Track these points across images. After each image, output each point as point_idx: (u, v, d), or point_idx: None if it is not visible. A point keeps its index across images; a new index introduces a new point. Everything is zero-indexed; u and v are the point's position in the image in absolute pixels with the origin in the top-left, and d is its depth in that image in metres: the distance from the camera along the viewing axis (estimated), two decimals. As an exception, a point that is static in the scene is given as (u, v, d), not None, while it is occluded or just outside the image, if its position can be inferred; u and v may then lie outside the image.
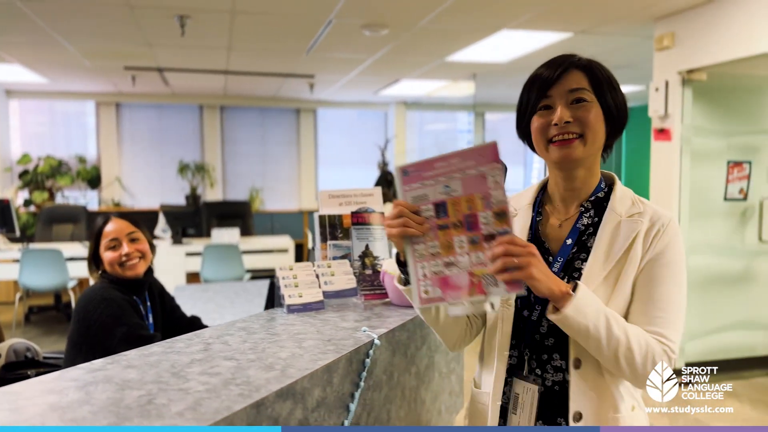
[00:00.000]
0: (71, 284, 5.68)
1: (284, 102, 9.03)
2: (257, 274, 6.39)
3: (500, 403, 1.25)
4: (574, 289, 1.10)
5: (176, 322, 2.26)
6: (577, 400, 1.18)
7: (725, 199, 4.50)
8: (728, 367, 4.56)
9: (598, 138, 1.20)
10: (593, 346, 1.12)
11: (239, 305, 3.34)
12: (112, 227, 2.10)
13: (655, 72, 4.50)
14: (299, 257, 8.41)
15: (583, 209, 1.25)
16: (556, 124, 1.18)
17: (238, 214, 7.20)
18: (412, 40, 5.13)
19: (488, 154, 1.12)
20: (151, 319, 2.13)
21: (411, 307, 1.65)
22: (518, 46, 5.36)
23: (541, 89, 1.21)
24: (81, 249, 5.78)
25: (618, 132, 1.25)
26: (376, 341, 1.31)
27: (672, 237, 1.17)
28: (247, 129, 9.13)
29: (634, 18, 4.43)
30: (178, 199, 8.52)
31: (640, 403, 1.24)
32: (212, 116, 8.87)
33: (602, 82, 1.21)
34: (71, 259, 5.64)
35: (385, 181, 8.53)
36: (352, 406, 1.23)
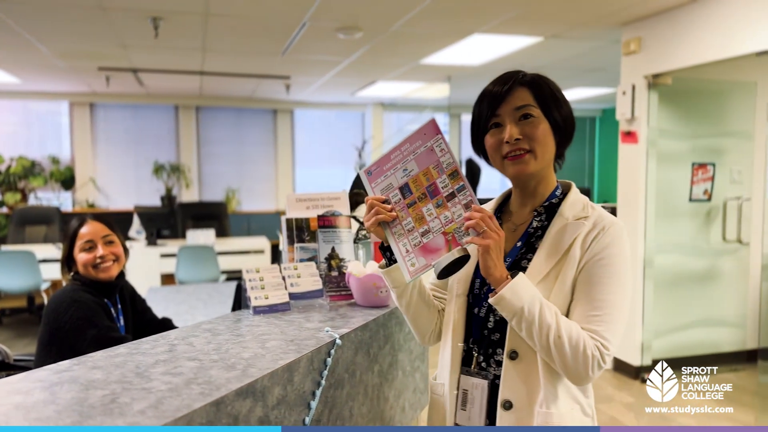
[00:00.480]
0: (44, 286, 5.63)
1: (261, 102, 9.03)
2: (233, 276, 6.39)
3: (456, 392, 1.32)
4: (514, 276, 1.18)
5: (147, 324, 2.29)
6: (507, 389, 1.25)
7: (690, 200, 4.63)
8: (693, 364, 4.68)
9: (548, 151, 1.28)
10: (526, 329, 1.18)
11: (212, 306, 3.36)
12: (87, 229, 2.12)
13: (622, 76, 4.61)
14: (276, 258, 8.42)
15: (536, 213, 1.33)
16: (507, 142, 1.26)
17: (213, 215, 7.20)
18: (386, 43, 5.18)
19: (430, 130, 1.28)
20: (122, 322, 2.15)
21: (375, 307, 1.71)
22: (491, 49, 5.45)
23: (490, 107, 1.28)
24: (54, 251, 5.74)
25: (567, 141, 1.32)
26: (338, 341, 1.36)
27: (613, 239, 1.22)
28: (223, 129, 9.12)
29: (602, 23, 4.53)
30: (153, 200, 8.48)
31: (586, 410, 1.27)
32: (188, 117, 8.85)
33: (547, 97, 1.28)
34: (44, 260, 5.60)
35: (362, 182, 8.56)
36: (313, 404, 1.28)
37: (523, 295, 1.17)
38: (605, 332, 1.18)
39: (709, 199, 4.67)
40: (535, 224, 1.32)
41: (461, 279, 1.36)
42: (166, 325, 2.33)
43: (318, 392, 1.30)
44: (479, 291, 1.33)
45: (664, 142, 4.48)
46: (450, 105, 9.07)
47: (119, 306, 2.17)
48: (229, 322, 1.52)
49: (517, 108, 1.26)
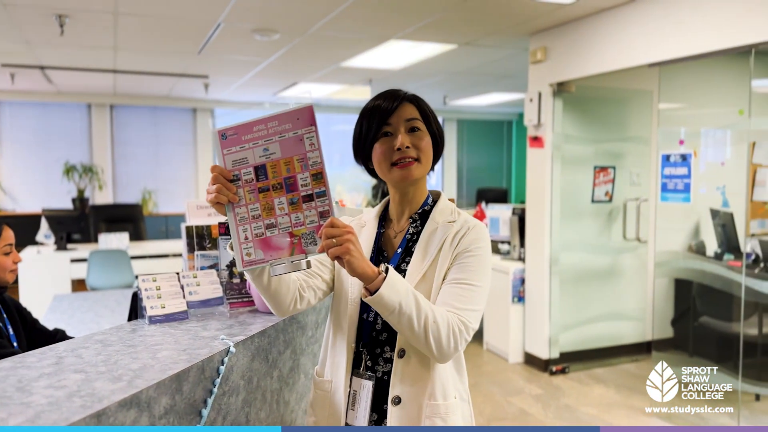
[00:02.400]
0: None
1: (179, 101, 8.81)
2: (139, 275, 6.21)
3: (348, 391, 1.41)
4: (386, 271, 1.23)
5: (38, 336, 2.22)
6: (397, 386, 1.35)
7: (593, 201, 4.90)
8: (598, 355, 4.98)
9: (429, 161, 1.42)
10: (406, 322, 1.23)
11: (119, 314, 3.28)
12: (9, 232, 2.07)
13: (529, 83, 4.83)
14: (195, 261, 8.23)
15: (412, 220, 1.45)
16: (399, 149, 1.36)
17: (128, 218, 6.96)
18: (305, 46, 5.19)
19: (305, 117, 1.20)
20: (11, 330, 2.08)
21: (274, 313, 1.74)
22: (410, 54, 5.56)
23: (382, 117, 1.38)
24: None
25: (437, 157, 1.46)
26: (232, 349, 1.39)
27: (477, 236, 1.37)
28: (139, 129, 8.83)
29: (511, 32, 4.73)
30: (64, 203, 8.11)
31: (462, 396, 1.42)
32: (101, 115, 8.52)
33: (428, 114, 1.43)
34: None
35: (284, 182, 8.52)
36: (205, 412, 1.30)
37: (399, 289, 1.22)
38: (469, 312, 1.30)
39: (610, 200, 4.96)
40: (411, 230, 1.44)
41: (354, 284, 1.43)
42: (58, 336, 2.27)
43: (210, 400, 1.32)
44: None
45: (569, 147, 4.73)
46: (372, 107, 9.14)
47: (4, 315, 2.10)
48: (123, 333, 1.51)
49: (408, 120, 1.38)
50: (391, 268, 1.24)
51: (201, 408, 1.31)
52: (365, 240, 1.49)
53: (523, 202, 9.45)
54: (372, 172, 1.46)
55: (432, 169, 1.46)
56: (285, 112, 1.20)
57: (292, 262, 1.22)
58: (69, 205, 8.02)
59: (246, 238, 1.22)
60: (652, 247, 5.02)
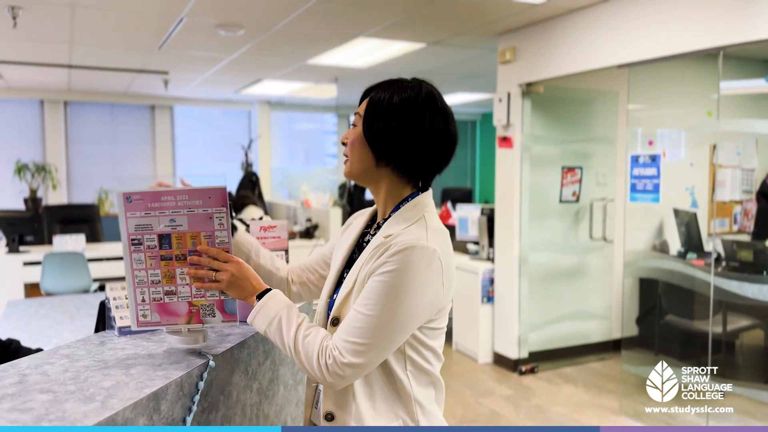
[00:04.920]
0: None
1: (137, 98, 8.55)
2: (107, 283, 5.99)
3: (315, 386, 1.36)
4: (259, 297, 1.27)
5: None
6: (327, 402, 1.29)
7: (560, 201, 4.93)
8: (565, 354, 5.01)
9: (358, 160, 1.30)
10: (275, 343, 1.25)
11: (80, 320, 3.11)
12: None
13: (498, 84, 4.82)
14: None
15: (377, 226, 1.36)
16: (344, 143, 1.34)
17: (84, 219, 6.69)
18: (270, 42, 5.08)
19: (217, 198, 1.25)
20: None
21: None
22: (377, 52, 5.50)
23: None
24: None
25: (389, 156, 1.27)
26: (211, 363, 1.30)
27: (392, 258, 1.18)
28: (95, 126, 8.53)
29: (480, 32, 4.71)
30: (16, 203, 7.76)
31: (412, 420, 1.27)
32: (55, 112, 8.19)
33: (372, 107, 1.28)
34: None
35: (249, 182, 8.37)
36: None
37: (266, 315, 1.25)
38: (347, 344, 1.17)
39: (577, 200, 5.00)
40: (369, 238, 1.36)
41: (328, 282, 1.39)
42: (13, 347, 2.12)
43: (189, 418, 1.23)
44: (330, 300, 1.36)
45: (537, 147, 4.74)
46: (338, 105, 9.05)
47: None
48: (92, 346, 1.41)
49: (355, 113, 1.34)
50: (270, 293, 1.27)
51: (180, 427, 1.21)
52: (344, 241, 1.42)
53: (487, 202, 9.52)
54: None
55: (393, 166, 1.28)
56: (197, 189, 1.24)
57: (188, 330, 1.28)
58: (21, 206, 7.68)
59: (143, 300, 1.27)
60: (619, 247, 5.08)
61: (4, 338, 2.21)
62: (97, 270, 5.61)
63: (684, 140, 4.46)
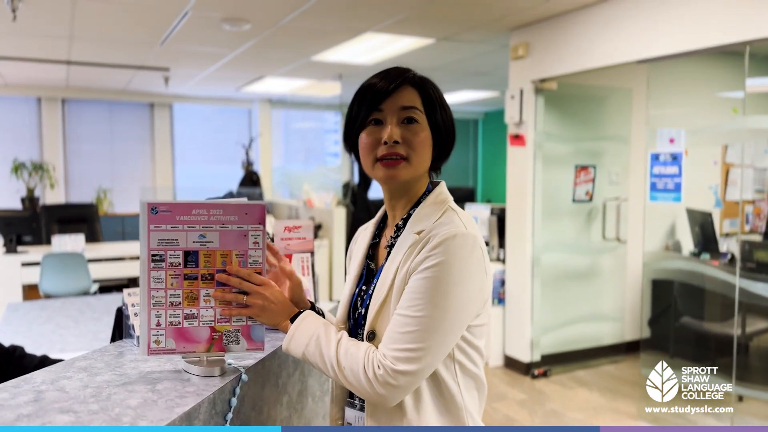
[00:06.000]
0: None
1: (136, 96, 8.40)
2: (107, 284, 5.86)
3: (342, 422, 1.25)
4: (292, 320, 1.17)
5: None
6: (371, 420, 1.16)
7: (573, 200, 4.83)
8: (577, 357, 4.90)
9: (424, 161, 1.18)
10: (316, 367, 1.14)
11: (84, 324, 2.99)
12: None
13: (510, 80, 4.71)
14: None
15: (396, 228, 1.23)
16: (386, 143, 1.15)
17: (82, 218, 6.55)
18: (276, 38, 4.95)
19: (254, 214, 1.14)
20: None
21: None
22: (383, 49, 5.39)
23: (373, 101, 1.16)
24: None
25: (444, 154, 1.23)
26: (244, 376, 1.18)
27: (435, 250, 1.08)
28: (93, 124, 8.38)
29: (491, 27, 4.60)
30: (13, 203, 7.61)
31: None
32: (52, 110, 8.04)
33: (435, 102, 1.19)
34: None
35: (251, 181, 8.25)
36: (217, 454, 1.10)
37: (301, 339, 1.14)
38: (397, 352, 1.06)
39: (591, 199, 4.89)
40: (392, 242, 1.23)
41: (341, 309, 1.29)
42: (17, 354, 1.99)
43: (222, 439, 1.11)
44: (353, 322, 1.25)
45: (550, 145, 4.63)
46: (342, 104, 8.93)
47: None
48: (110, 357, 1.29)
49: (404, 108, 1.16)
50: (303, 314, 1.18)
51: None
52: (358, 252, 1.31)
53: (489, 201, 9.41)
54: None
55: (437, 169, 1.24)
56: (234, 204, 1.14)
57: (207, 359, 1.16)
58: (17, 205, 7.53)
59: (158, 324, 1.13)
60: (632, 248, 4.97)
61: (6, 344, 2.09)
62: (97, 271, 5.49)
63: (707, 138, 4.34)
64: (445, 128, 1.19)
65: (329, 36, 4.95)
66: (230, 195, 7.38)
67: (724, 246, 4.81)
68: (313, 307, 1.29)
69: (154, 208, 1.10)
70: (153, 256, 1.13)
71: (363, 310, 1.22)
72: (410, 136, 1.15)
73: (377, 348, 1.11)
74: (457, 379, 1.16)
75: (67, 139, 8.21)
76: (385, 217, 1.31)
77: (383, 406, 1.11)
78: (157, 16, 4.34)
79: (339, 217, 6.44)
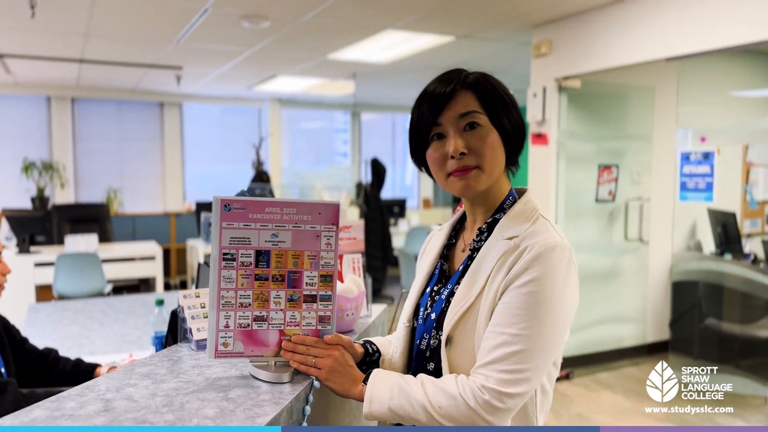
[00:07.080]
0: None
1: (145, 95, 8.34)
2: (120, 285, 5.82)
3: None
4: (365, 381, 1.09)
5: (28, 358, 1.90)
6: None
7: (596, 200, 4.76)
8: (600, 359, 4.84)
9: (498, 164, 1.12)
10: (409, 421, 1.04)
11: (109, 326, 2.92)
12: None
13: (532, 78, 4.65)
14: (167, 264, 7.82)
15: (479, 232, 1.17)
16: (452, 157, 1.09)
17: (94, 218, 6.50)
18: (294, 35, 4.89)
19: (328, 215, 1.10)
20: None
21: (340, 332, 1.48)
22: (401, 47, 5.32)
23: (431, 113, 1.11)
24: None
25: (518, 149, 1.17)
26: (316, 383, 1.12)
27: (532, 263, 1.03)
28: (102, 123, 8.32)
29: (513, 24, 4.54)
30: (23, 202, 7.56)
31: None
32: (62, 109, 7.98)
33: (494, 101, 1.12)
34: None
35: (261, 181, 8.19)
36: (294, 466, 1.04)
37: (382, 396, 1.06)
38: (502, 374, 1.00)
39: (613, 199, 4.83)
40: (474, 245, 1.16)
41: (408, 307, 1.23)
42: (51, 357, 1.95)
43: (298, 450, 1.05)
44: (422, 321, 1.19)
45: (573, 144, 4.57)
46: (355, 103, 8.86)
47: None
48: (170, 363, 1.23)
49: (462, 115, 1.10)
50: (374, 372, 1.10)
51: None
52: (429, 255, 1.25)
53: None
54: None
55: (513, 164, 1.17)
56: (308, 203, 1.10)
57: (275, 363, 1.12)
58: (27, 205, 7.48)
59: (227, 326, 1.09)
60: (656, 248, 4.91)
61: (40, 347, 2.04)
62: (109, 271, 5.44)
63: (735, 138, 4.28)
64: (511, 124, 1.13)
65: (348, 33, 4.89)
66: (243, 193, 7.32)
67: (747, 246, 4.75)
68: (367, 351, 1.23)
69: (227, 205, 1.05)
70: (225, 254, 1.07)
71: (434, 313, 1.17)
72: (475, 143, 1.09)
73: (461, 370, 1.06)
74: (535, 400, 1.11)
75: (76, 139, 8.15)
76: (461, 218, 1.25)
77: (487, 425, 1.03)
78: (176, 12, 4.28)
79: (352, 217, 6.39)
